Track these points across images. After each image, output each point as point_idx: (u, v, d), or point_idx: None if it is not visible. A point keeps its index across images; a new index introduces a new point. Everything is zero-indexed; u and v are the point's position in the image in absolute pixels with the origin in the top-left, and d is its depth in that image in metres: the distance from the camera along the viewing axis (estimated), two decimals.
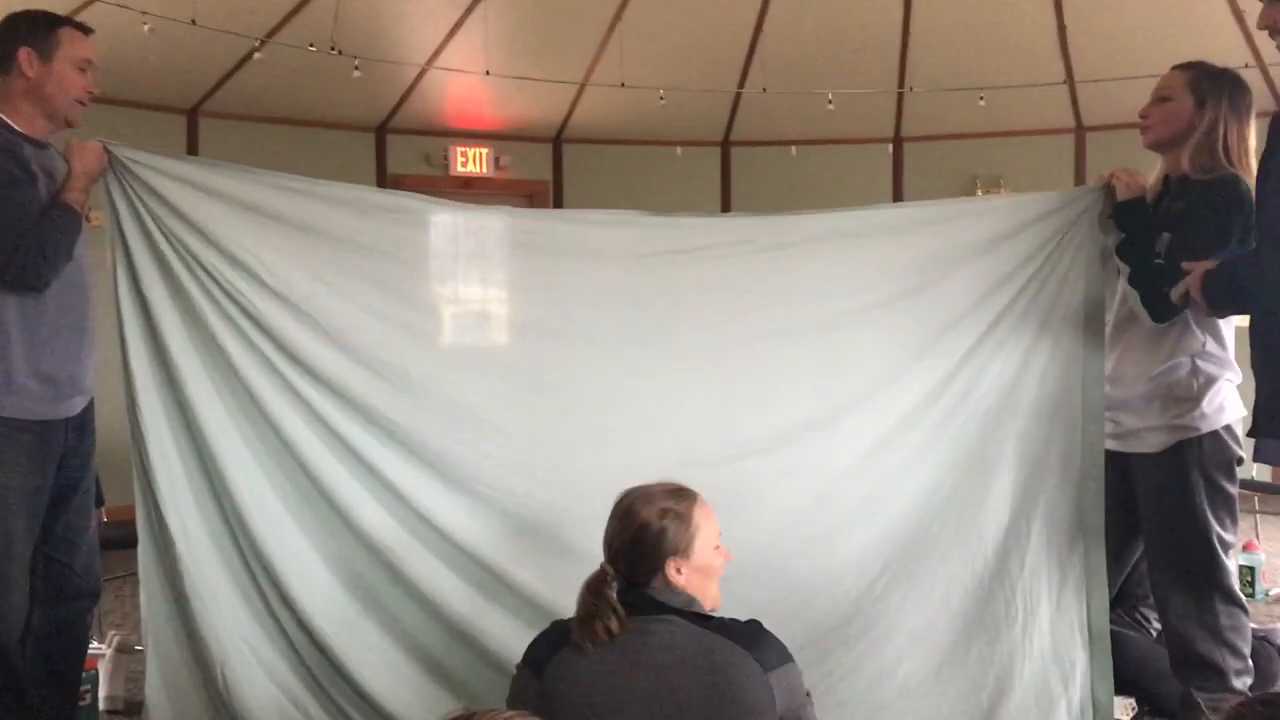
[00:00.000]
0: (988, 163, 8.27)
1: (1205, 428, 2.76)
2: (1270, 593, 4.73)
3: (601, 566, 2.20)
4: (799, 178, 8.37)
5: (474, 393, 2.89)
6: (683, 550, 2.18)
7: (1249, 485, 4.32)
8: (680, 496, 2.24)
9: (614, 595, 2.13)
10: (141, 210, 2.69)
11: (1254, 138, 2.79)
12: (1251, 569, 4.64)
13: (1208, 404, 2.76)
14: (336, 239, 2.82)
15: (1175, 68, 2.89)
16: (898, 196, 8.44)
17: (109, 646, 3.56)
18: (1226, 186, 2.71)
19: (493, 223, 3.21)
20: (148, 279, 2.71)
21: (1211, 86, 2.79)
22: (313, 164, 7.66)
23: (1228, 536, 2.82)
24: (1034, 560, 2.93)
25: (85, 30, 2.84)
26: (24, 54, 2.72)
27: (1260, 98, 2.57)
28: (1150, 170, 3.00)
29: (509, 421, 2.89)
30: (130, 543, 4.40)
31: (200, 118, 7.31)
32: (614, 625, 2.09)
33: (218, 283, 2.71)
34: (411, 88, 7.46)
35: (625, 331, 2.97)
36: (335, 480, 2.77)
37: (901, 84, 7.62)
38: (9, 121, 2.73)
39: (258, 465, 2.76)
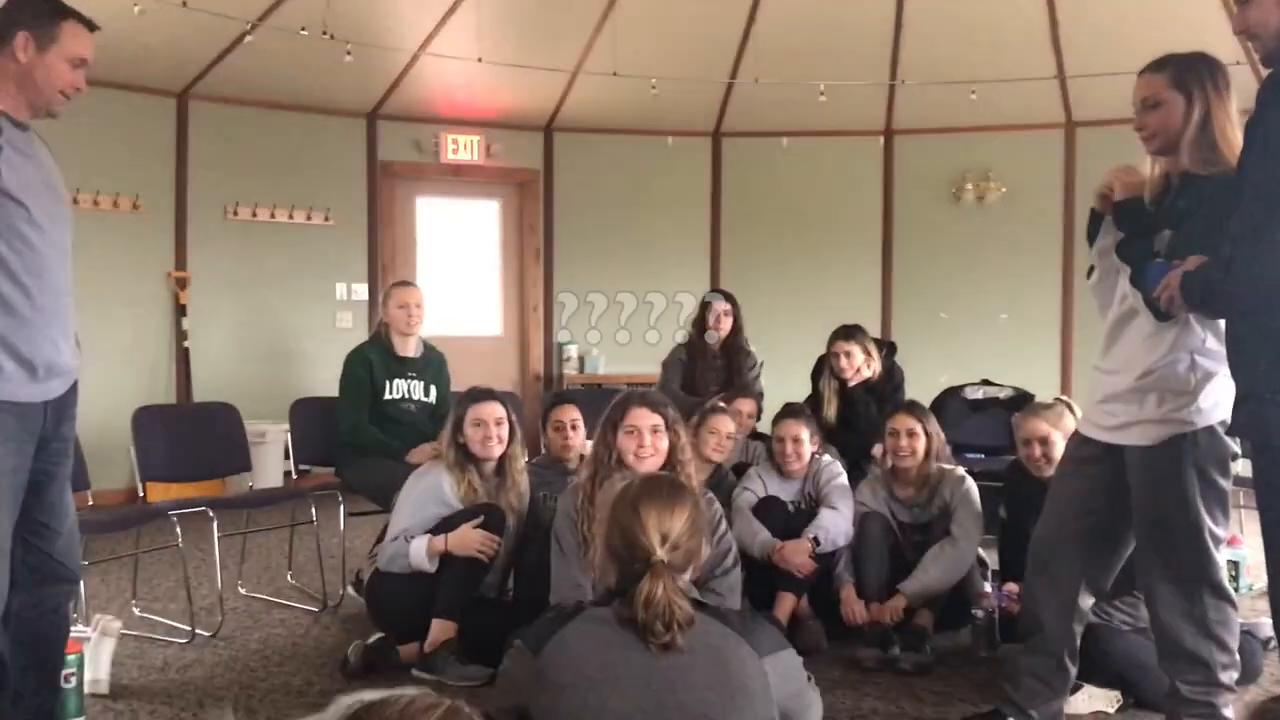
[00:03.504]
0: (978, 156, 8.30)
1: (1201, 422, 2.75)
2: (1254, 587, 4.76)
3: (659, 562, 2.08)
4: (789, 169, 8.39)
5: None
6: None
7: (1235, 481, 4.36)
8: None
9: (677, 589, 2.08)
10: None
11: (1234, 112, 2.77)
12: (1236, 564, 4.67)
13: (1204, 399, 2.75)
14: None
15: (1149, 71, 2.83)
16: (888, 189, 8.46)
17: (94, 630, 3.54)
18: (1229, 182, 2.69)
19: None
20: None
21: (1194, 77, 2.76)
22: (303, 150, 7.69)
23: (1219, 531, 2.81)
24: None
25: (91, 27, 2.77)
26: (21, 38, 2.66)
27: (1250, 94, 2.56)
28: (1143, 163, 2.98)
29: None
30: (115, 526, 4.44)
31: (190, 101, 7.28)
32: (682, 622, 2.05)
33: None
34: (403, 74, 7.44)
35: None
36: None
37: (893, 76, 7.62)
38: None
39: None
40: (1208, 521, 2.77)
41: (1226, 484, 2.81)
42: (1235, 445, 2.79)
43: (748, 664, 2.05)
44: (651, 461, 3.47)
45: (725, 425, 4.44)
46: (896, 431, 4.16)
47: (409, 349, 4.97)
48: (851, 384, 5.22)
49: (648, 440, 3.47)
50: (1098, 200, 3.00)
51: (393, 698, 1.29)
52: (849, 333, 5.28)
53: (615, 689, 2.04)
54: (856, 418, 5.16)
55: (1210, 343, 2.76)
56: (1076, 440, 3.09)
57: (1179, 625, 2.82)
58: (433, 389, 4.97)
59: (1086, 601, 3.06)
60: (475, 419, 3.98)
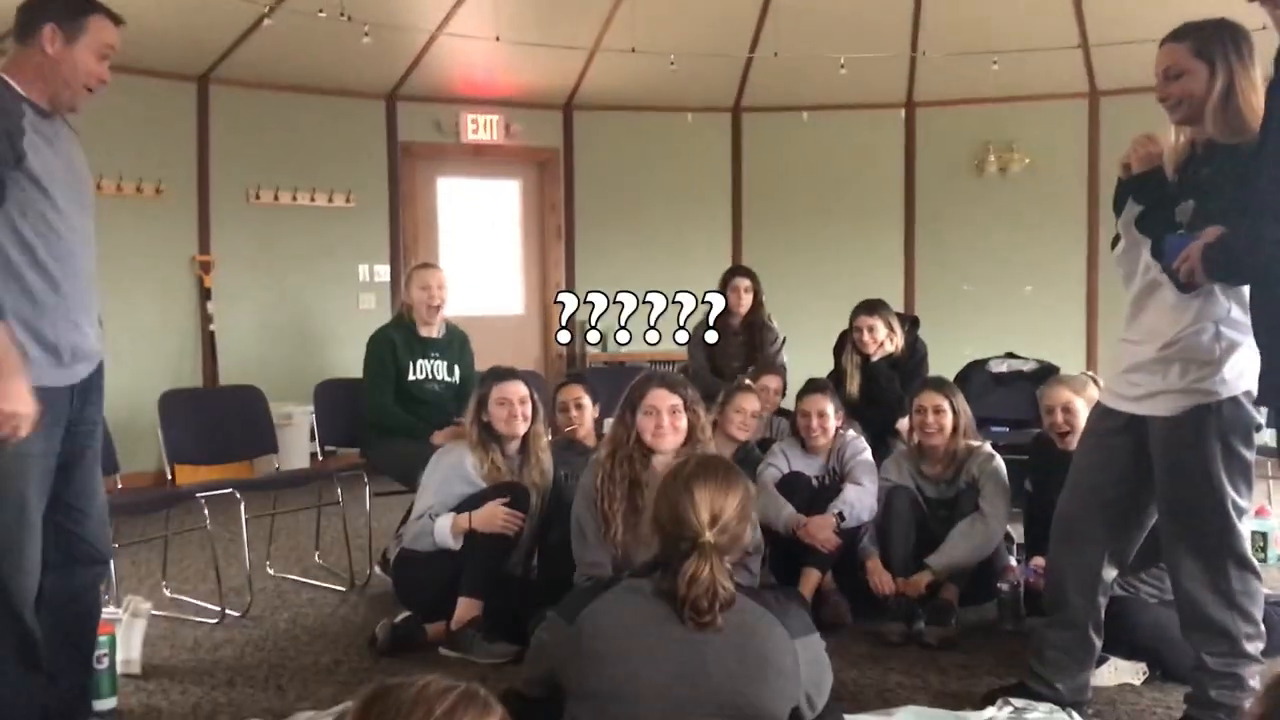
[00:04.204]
0: (1001, 127, 8.23)
1: (1225, 392, 2.73)
2: None
3: (707, 543, 2.11)
4: (811, 143, 8.34)
5: None
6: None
7: (1261, 451, 4.34)
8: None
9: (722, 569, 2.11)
10: None
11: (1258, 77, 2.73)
12: (1263, 534, 4.65)
13: (1229, 369, 2.72)
14: None
15: (1170, 40, 2.79)
16: (910, 162, 8.41)
17: (125, 611, 3.59)
18: (1254, 151, 2.65)
19: None
20: None
21: (1217, 45, 2.71)
22: (323, 132, 7.70)
23: (1242, 502, 2.79)
24: None
25: (116, 20, 2.78)
26: (49, 30, 2.67)
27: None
28: (1167, 133, 2.94)
29: None
30: (144, 509, 4.48)
31: (210, 85, 7.29)
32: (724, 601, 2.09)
33: None
34: (422, 54, 7.43)
35: None
36: None
37: (914, 48, 7.56)
38: (14, 85, 2.66)
39: None
40: (1230, 492, 2.75)
41: (1250, 454, 2.78)
42: (1260, 415, 2.77)
43: (781, 644, 2.09)
44: (671, 439, 3.49)
45: (751, 404, 4.44)
46: (924, 408, 4.15)
47: (432, 329, 4.98)
48: (874, 359, 5.20)
49: (666, 420, 3.50)
50: (1121, 170, 2.97)
51: (409, 681, 1.33)
52: (871, 307, 5.26)
53: (648, 660, 2.07)
54: (879, 392, 5.15)
55: (1235, 313, 2.73)
56: (1099, 412, 3.08)
57: (1202, 596, 2.81)
58: (456, 368, 4.99)
59: (1110, 574, 3.05)
60: (499, 398, 4.00)
